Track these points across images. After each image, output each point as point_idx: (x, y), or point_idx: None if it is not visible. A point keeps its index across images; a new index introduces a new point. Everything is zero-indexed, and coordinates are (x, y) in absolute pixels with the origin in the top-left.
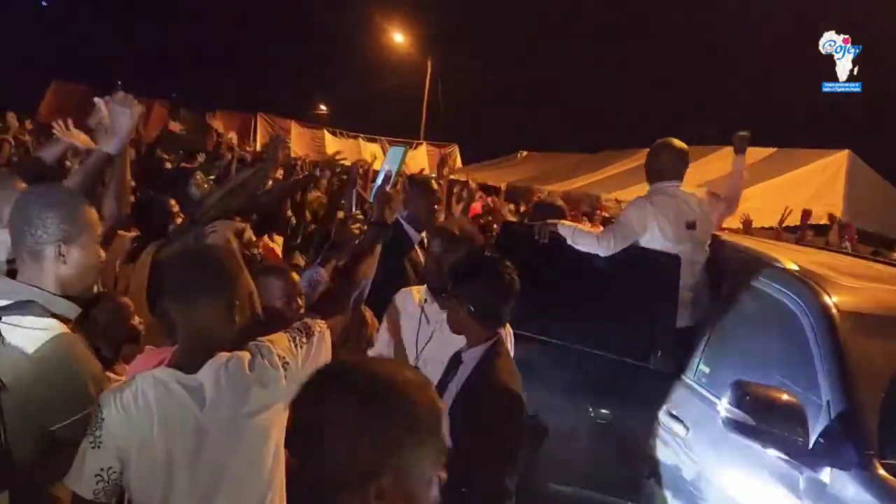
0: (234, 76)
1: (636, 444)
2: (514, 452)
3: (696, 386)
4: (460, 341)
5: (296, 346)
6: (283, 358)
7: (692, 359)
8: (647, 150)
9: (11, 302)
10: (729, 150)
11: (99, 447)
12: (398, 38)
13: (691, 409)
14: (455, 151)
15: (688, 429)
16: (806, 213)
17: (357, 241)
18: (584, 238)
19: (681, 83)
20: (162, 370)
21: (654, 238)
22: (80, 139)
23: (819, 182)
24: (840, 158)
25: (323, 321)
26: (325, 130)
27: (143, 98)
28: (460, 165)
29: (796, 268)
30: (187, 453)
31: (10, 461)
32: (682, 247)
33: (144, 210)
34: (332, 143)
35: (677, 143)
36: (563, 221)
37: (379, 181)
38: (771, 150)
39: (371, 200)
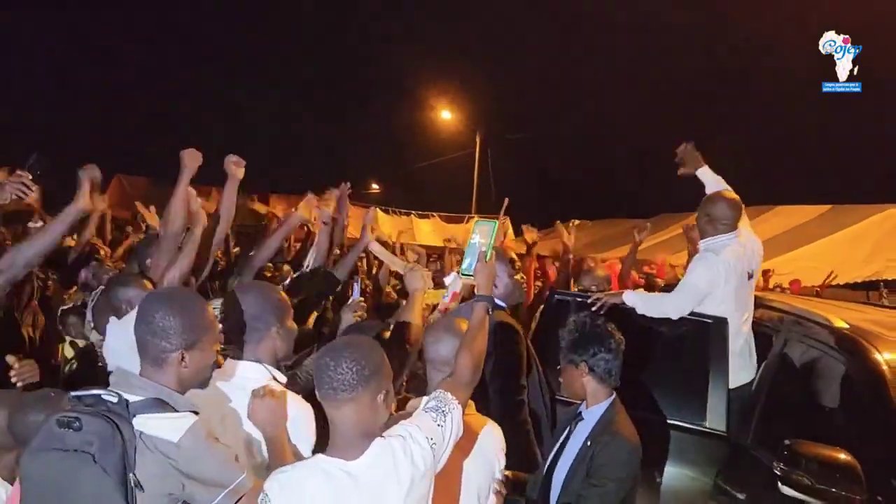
0: (287, 159)
1: None
2: (624, 499)
3: (750, 446)
4: None
5: (438, 425)
6: (431, 439)
7: (745, 419)
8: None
9: (141, 399)
10: (783, 208)
11: None
12: (446, 114)
13: (746, 471)
14: (507, 224)
15: (744, 493)
16: None
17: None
18: (653, 304)
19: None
20: (324, 459)
21: (716, 296)
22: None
23: (876, 238)
24: None
25: (454, 397)
26: (377, 209)
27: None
28: (513, 238)
29: (846, 325)
30: None
31: None
32: (739, 301)
33: None
34: (385, 221)
35: (729, 192)
36: (626, 292)
37: (474, 257)
38: (826, 207)
39: (466, 273)
